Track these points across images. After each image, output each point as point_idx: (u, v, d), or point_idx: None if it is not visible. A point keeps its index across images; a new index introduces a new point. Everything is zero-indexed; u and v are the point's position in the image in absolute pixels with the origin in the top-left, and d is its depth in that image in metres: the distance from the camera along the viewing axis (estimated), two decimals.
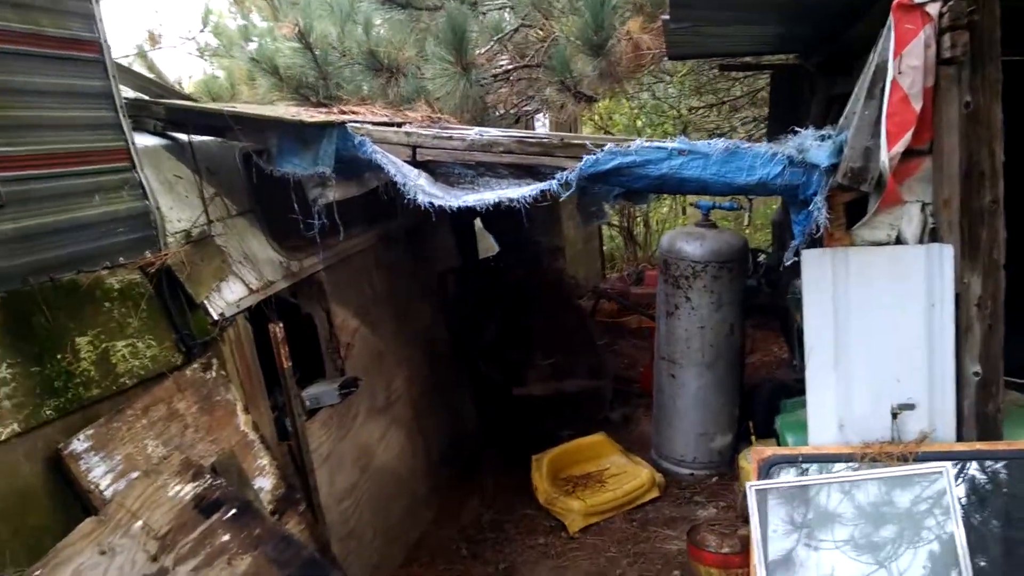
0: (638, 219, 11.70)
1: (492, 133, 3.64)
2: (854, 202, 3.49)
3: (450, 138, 3.58)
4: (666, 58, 5.85)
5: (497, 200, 3.50)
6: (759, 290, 5.97)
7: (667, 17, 4.76)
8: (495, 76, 5.68)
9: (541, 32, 5.90)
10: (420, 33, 5.48)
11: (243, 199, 3.92)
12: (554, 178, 3.47)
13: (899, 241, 3.41)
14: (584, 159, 3.45)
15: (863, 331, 3.47)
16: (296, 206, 3.71)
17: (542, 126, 8.72)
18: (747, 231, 8.47)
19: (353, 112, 4.16)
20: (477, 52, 5.40)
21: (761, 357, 7.46)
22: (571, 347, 6.57)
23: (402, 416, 5.23)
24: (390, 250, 5.36)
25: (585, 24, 4.74)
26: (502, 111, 6.04)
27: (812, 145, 3.27)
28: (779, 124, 7.24)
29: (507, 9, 6.13)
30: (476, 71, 4.89)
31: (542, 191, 3.49)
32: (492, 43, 5.80)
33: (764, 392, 5.77)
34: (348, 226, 4.75)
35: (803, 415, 4.51)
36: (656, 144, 3.45)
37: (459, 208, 3.56)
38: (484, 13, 5.76)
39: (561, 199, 3.49)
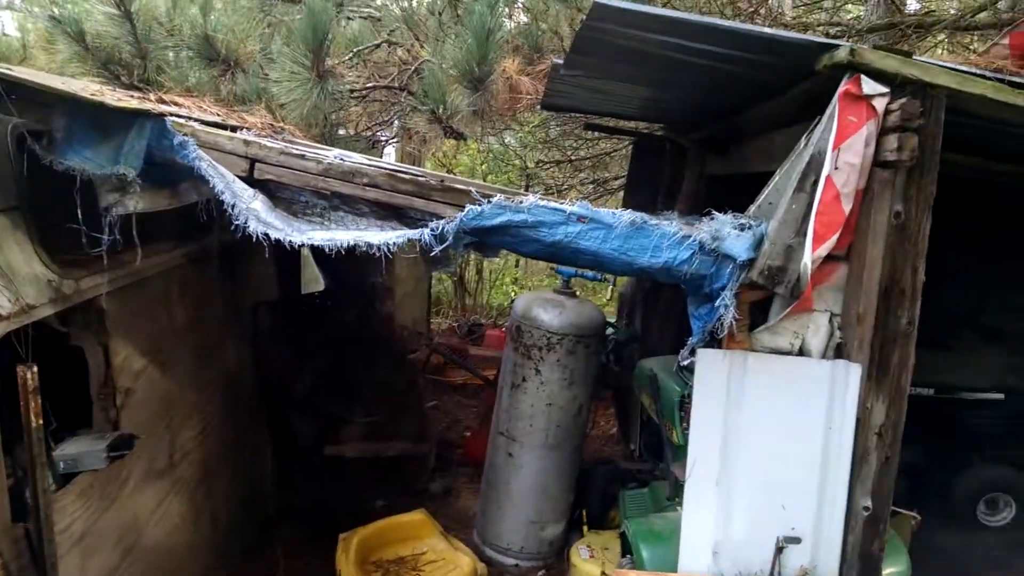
0: (470, 264, 11.22)
1: (355, 159, 2.94)
2: (757, 302, 3.12)
3: (302, 157, 2.85)
4: (539, 106, 5.41)
5: (353, 243, 2.81)
6: (606, 367, 5.58)
7: (559, 61, 4.26)
8: (352, 91, 4.97)
9: (406, 54, 5.26)
10: (269, 27, 4.67)
11: (6, 192, 2.93)
12: (426, 225, 2.84)
13: (802, 352, 3.07)
14: (467, 209, 2.85)
15: (754, 447, 3.08)
16: (80, 212, 2.80)
17: (387, 156, 8.03)
18: (607, 304, 8.19)
19: (176, 104, 3.30)
20: (333, 61, 4.68)
21: (591, 431, 7.08)
22: (397, 406, 5.85)
23: (187, 479, 4.28)
24: (199, 272, 4.43)
25: (468, 53, 4.17)
26: (352, 131, 5.31)
27: (729, 234, 2.85)
28: (636, 193, 7.04)
29: (373, 20, 5.46)
30: (333, 81, 4.16)
31: (410, 240, 2.84)
32: (349, 55, 5.08)
33: (599, 478, 5.35)
34: (149, 240, 3.84)
35: (658, 523, 4.10)
36: (553, 205, 2.90)
37: (301, 245, 2.83)
38: (349, 19, 5.06)
39: (433, 253, 2.85)
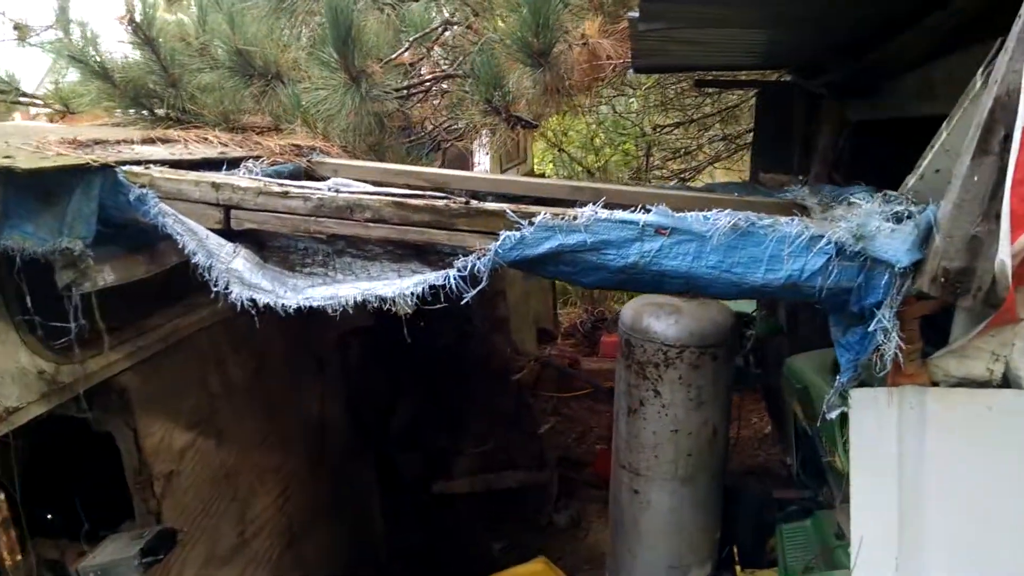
0: None
1: (354, 188, 2.26)
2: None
3: (285, 195, 2.19)
4: (631, 70, 4.53)
5: (361, 298, 2.14)
6: (746, 372, 4.67)
7: (635, 15, 3.38)
8: (407, 89, 4.30)
9: (471, 33, 4.53)
10: (300, 27, 4.08)
11: None
12: (452, 265, 2.12)
13: (1006, 381, 2.12)
14: (502, 238, 2.10)
15: (946, 519, 2.17)
16: (30, 299, 2.28)
17: (485, 155, 7.28)
18: None
19: (164, 141, 2.74)
20: (387, 55, 4.03)
21: (740, 431, 6.15)
22: (507, 431, 5.20)
23: (266, 551, 3.81)
24: (255, 318, 3.92)
25: (522, 22, 3.39)
26: (416, 134, 4.65)
27: (880, 228, 1.95)
28: (766, 153, 5.99)
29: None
30: (368, 82, 3.50)
31: (433, 286, 2.14)
32: (408, 44, 4.40)
33: (751, 506, 4.48)
34: (179, 296, 3.37)
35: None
36: (620, 216, 2.11)
37: (298, 309, 2.19)
38: (393, 5, 4.38)
39: (465, 300, 2.14)
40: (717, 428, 4.04)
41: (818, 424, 3.81)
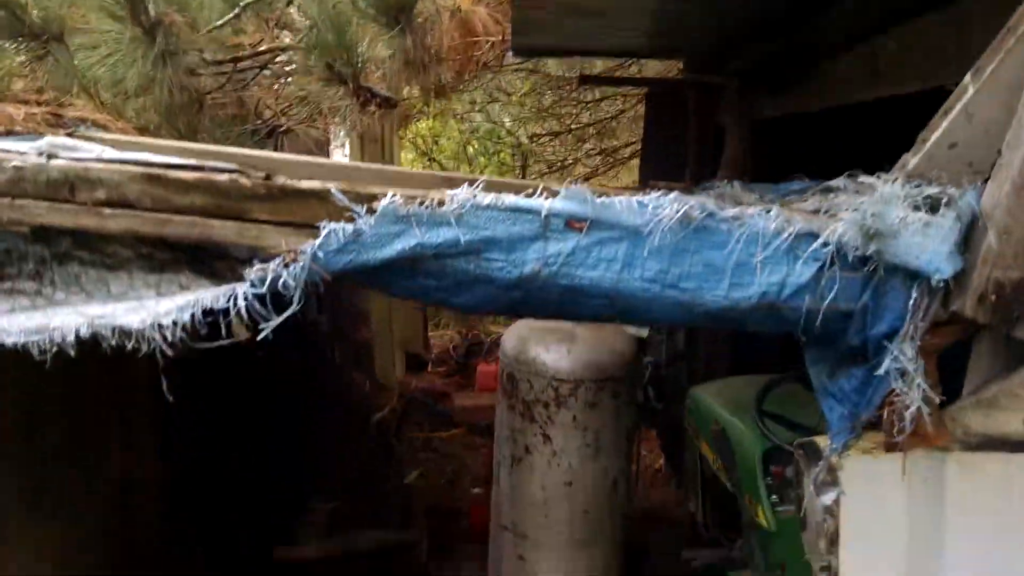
0: None
1: (84, 153, 1.40)
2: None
3: None
4: (510, 51, 3.85)
5: (89, 331, 1.29)
6: (646, 406, 4.02)
7: None
8: (233, 63, 3.43)
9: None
10: None
11: None
12: (243, 277, 1.32)
13: None
14: (325, 233, 1.31)
15: None
16: None
17: (344, 156, 6.36)
18: None
19: None
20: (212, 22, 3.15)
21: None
22: (367, 482, 4.35)
23: None
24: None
25: None
26: (254, 124, 3.76)
27: (906, 222, 1.28)
28: (658, 163, 5.45)
29: None
30: (168, 38, 2.63)
31: (210, 311, 1.33)
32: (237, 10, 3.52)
33: (657, 571, 3.83)
34: None
35: None
36: (512, 203, 1.36)
37: None
38: None
39: (261, 335, 1.34)
40: (618, 479, 3.37)
41: (735, 473, 3.21)
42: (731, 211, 1.37)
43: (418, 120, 8.21)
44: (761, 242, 1.36)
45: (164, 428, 3.83)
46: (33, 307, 1.38)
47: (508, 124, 9.33)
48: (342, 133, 5.47)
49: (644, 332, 4.69)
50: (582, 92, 8.28)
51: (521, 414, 3.25)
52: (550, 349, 3.19)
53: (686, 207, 1.34)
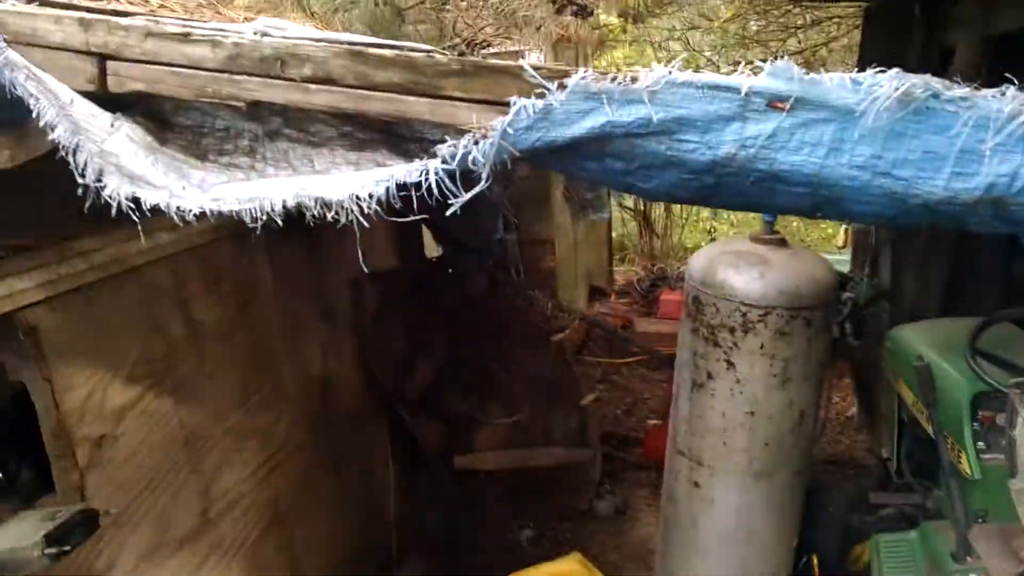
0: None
1: (295, 28, 1.48)
2: None
3: (184, 37, 1.43)
4: None
5: (294, 201, 1.38)
6: (840, 342, 3.79)
7: None
8: None
9: None
10: None
11: None
12: (436, 154, 1.35)
13: None
14: (515, 109, 1.30)
15: None
16: None
17: None
18: (842, 250, 6.05)
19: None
20: None
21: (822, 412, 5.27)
22: (545, 401, 4.44)
23: (237, 539, 3.14)
24: (244, 250, 3.20)
25: None
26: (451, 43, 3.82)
27: None
28: None
29: None
30: None
31: (404, 185, 1.38)
32: None
33: (838, 509, 3.65)
34: (125, 216, 2.67)
35: None
36: (709, 81, 1.28)
37: (202, 212, 1.44)
38: None
39: (451, 210, 1.37)
40: (804, 413, 3.20)
41: (938, 415, 2.97)
42: (959, 91, 1.21)
43: (614, 48, 8.02)
44: (992, 127, 1.20)
45: (360, 337, 4.09)
46: (247, 179, 1.48)
47: (708, 53, 8.90)
48: (536, 55, 5.47)
49: (845, 265, 4.40)
50: (790, 17, 7.75)
51: (705, 339, 3.15)
52: (741, 272, 3.06)
53: (907, 85, 1.20)
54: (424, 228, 4.53)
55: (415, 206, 1.37)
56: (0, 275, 2.19)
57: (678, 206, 9.88)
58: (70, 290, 2.37)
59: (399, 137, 1.46)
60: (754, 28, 8.17)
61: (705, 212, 9.89)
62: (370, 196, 1.36)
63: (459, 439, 4.34)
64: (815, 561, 3.52)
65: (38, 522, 2.28)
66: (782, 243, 3.18)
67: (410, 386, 4.22)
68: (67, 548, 2.24)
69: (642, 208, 8.98)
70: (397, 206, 1.38)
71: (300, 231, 3.53)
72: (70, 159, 1.45)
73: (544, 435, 4.44)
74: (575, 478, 4.45)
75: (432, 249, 4.78)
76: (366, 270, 3.94)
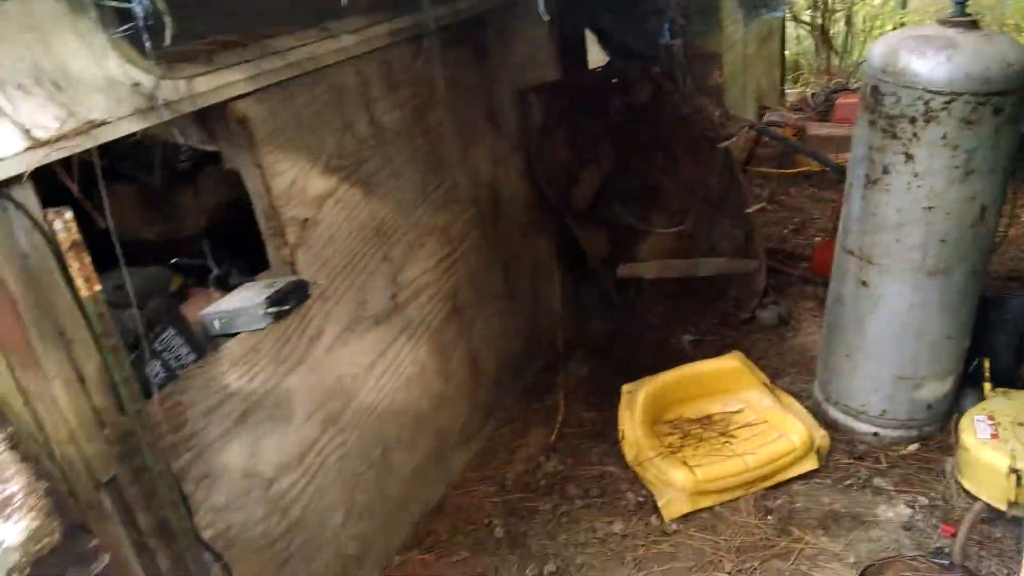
0: (837, 12, 8.66)
1: None
2: None
3: None
4: None
5: None
6: None
7: None
8: None
9: None
10: None
11: None
12: None
13: None
14: None
15: None
16: None
17: None
18: None
19: None
20: None
21: (1009, 228, 4.94)
22: (710, 210, 4.46)
23: (423, 319, 3.50)
24: (419, 53, 3.35)
25: None
26: None
27: None
28: None
29: None
30: None
31: None
32: None
33: (1016, 314, 3.54)
34: (317, 18, 2.87)
35: None
36: None
37: None
38: None
39: None
40: (987, 208, 3.06)
41: None
42: None
43: None
44: None
45: (527, 147, 4.22)
46: None
47: None
48: None
49: None
50: None
51: (883, 130, 3.03)
52: (926, 57, 2.86)
53: None
54: (588, 38, 4.50)
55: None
56: (213, 67, 2.47)
57: (862, 19, 9.09)
58: (272, 84, 2.64)
59: None
60: None
61: (888, 25, 9.03)
62: None
63: (624, 248, 4.48)
64: (987, 364, 3.46)
65: (261, 288, 2.67)
66: (973, 25, 2.94)
67: (576, 196, 4.35)
68: (286, 308, 2.62)
69: (820, 22, 8.33)
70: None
71: (469, 40, 3.67)
72: None
73: (708, 245, 4.50)
74: (739, 288, 4.51)
75: (595, 62, 4.76)
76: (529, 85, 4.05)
